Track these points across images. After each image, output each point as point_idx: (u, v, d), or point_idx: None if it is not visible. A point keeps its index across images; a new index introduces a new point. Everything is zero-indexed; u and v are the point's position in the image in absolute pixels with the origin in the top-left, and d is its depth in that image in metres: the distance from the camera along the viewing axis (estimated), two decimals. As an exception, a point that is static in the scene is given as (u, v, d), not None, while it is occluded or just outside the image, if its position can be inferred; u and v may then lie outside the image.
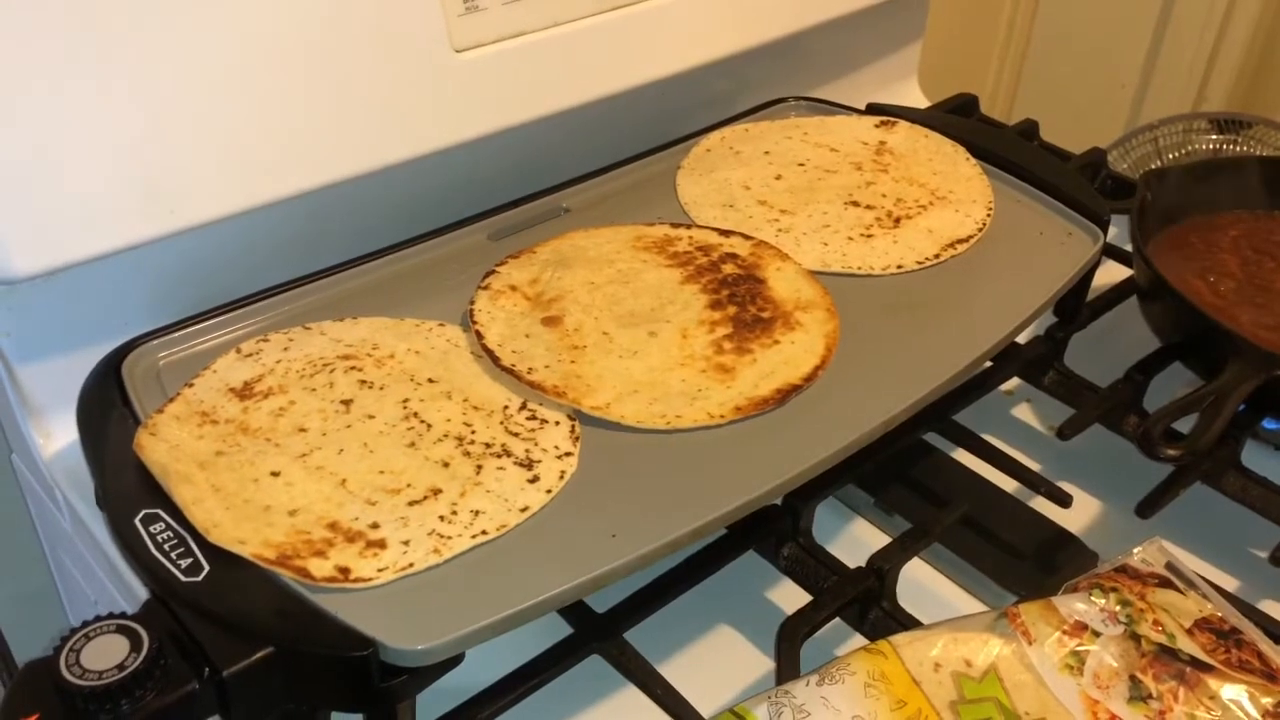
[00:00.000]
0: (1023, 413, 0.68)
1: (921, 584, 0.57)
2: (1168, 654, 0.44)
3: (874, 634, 0.50)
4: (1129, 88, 1.29)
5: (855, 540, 0.59)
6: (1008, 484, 0.60)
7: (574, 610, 0.49)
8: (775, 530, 0.53)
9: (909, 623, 0.50)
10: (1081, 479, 0.62)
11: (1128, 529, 0.57)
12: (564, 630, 0.49)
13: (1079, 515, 0.60)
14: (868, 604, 0.51)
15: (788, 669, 0.47)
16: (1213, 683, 0.43)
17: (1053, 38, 1.31)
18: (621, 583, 0.44)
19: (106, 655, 0.37)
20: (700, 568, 0.51)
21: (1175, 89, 1.26)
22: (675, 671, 0.49)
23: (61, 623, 0.71)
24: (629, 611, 0.49)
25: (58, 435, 0.55)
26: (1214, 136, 1.05)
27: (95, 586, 0.58)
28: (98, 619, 0.38)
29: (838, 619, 0.51)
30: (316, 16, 0.54)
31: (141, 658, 0.37)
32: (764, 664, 0.52)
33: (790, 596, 0.53)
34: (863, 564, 0.52)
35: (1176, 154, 1.05)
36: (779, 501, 0.53)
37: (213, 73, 0.52)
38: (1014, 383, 0.68)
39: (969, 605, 0.56)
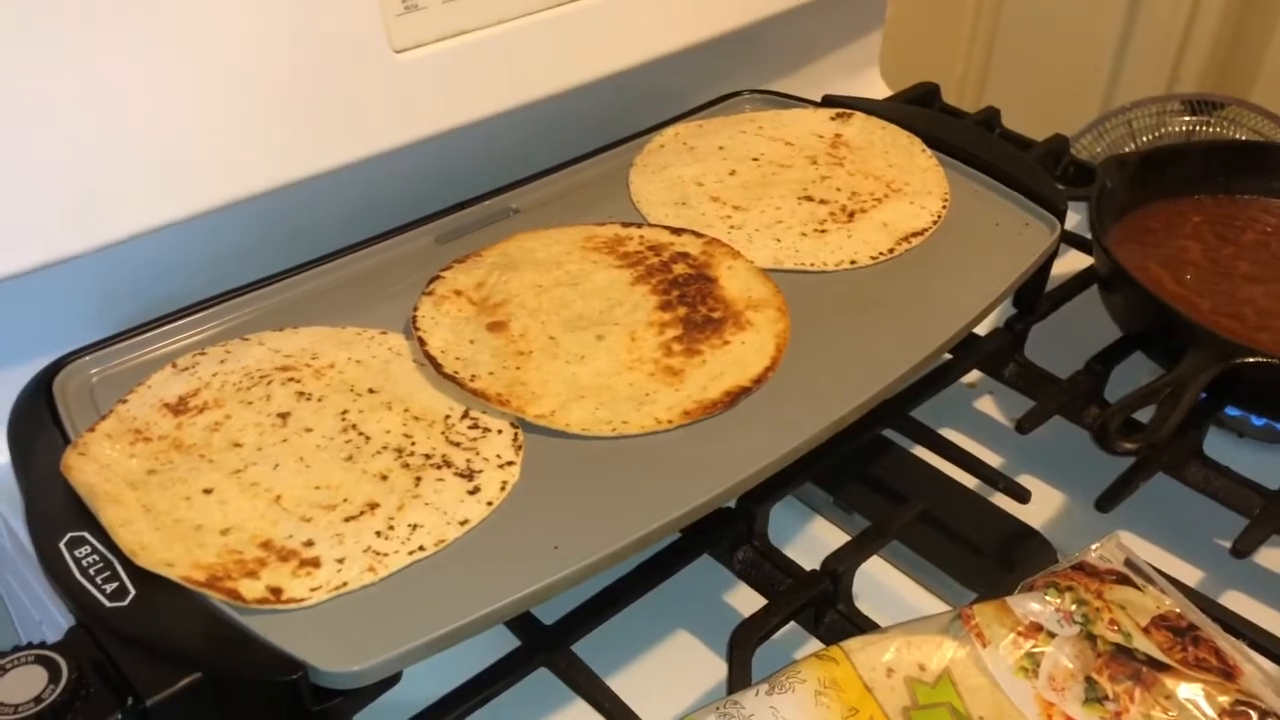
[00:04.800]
0: (985, 406, 0.67)
1: (881, 583, 0.56)
2: (1124, 654, 0.43)
3: (829, 637, 0.49)
4: (1102, 71, 1.29)
5: (814, 540, 0.58)
6: (969, 479, 0.59)
7: (521, 622, 0.47)
8: (729, 534, 0.52)
9: (865, 625, 0.49)
10: (1045, 472, 0.61)
11: (1091, 522, 0.56)
12: (512, 643, 0.47)
13: (1041, 509, 0.59)
14: (823, 607, 0.50)
15: (739, 677, 0.46)
16: (1169, 682, 0.42)
17: (1022, 21, 1.30)
18: (573, 591, 0.43)
19: (23, 688, 0.36)
20: (653, 574, 0.50)
21: (1148, 71, 1.25)
22: (631, 680, 0.48)
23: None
24: (579, 622, 0.48)
25: (-7, 454, 0.54)
26: (1187, 118, 1.04)
27: (39, 608, 0.56)
28: (15, 649, 0.37)
29: (793, 623, 0.50)
30: (250, 20, 0.53)
31: (59, 689, 0.36)
32: (723, 670, 0.51)
33: (749, 600, 0.52)
34: (820, 565, 0.51)
35: (1150, 136, 1.05)
36: (732, 505, 0.52)
37: (144, 79, 0.51)
38: (977, 375, 0.67)
39: (929, 604, 0.55)
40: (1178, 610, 0.45)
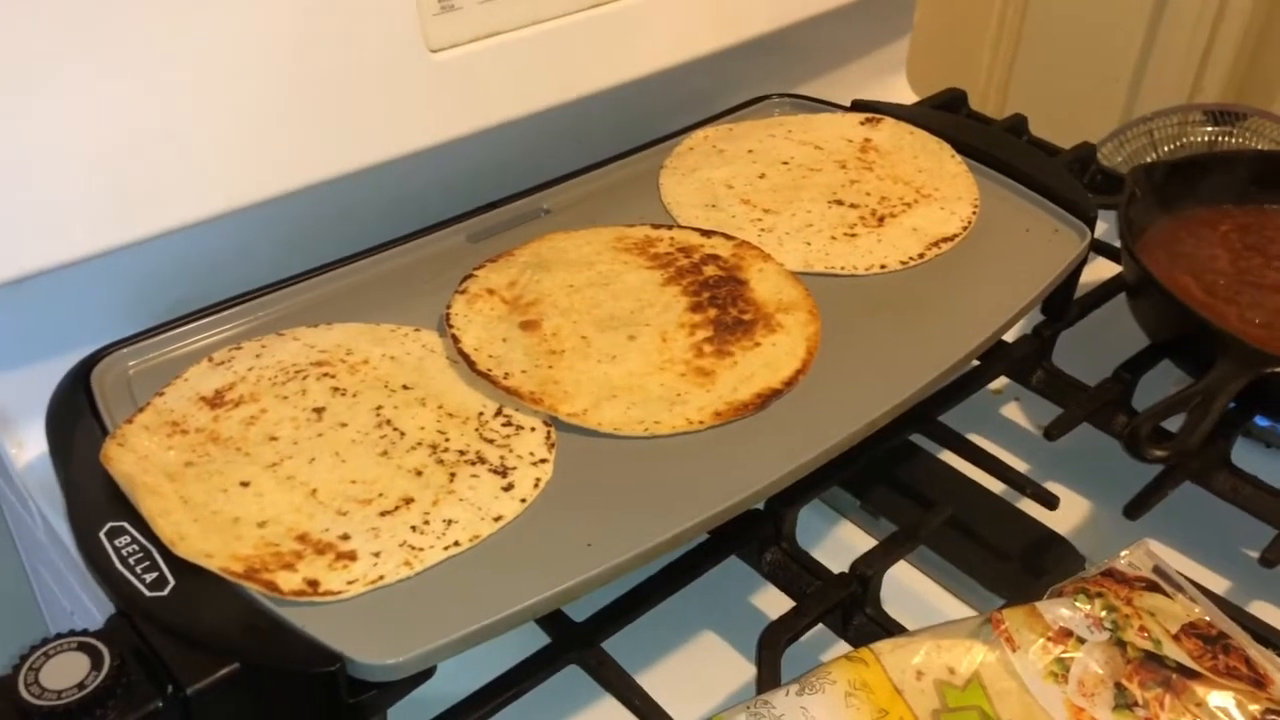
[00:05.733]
0: (1012, 412, 0.67)
1: (908, 587, 0.56)
2: (1154, 661, 0.43)
3: (858, 640, 0.49)
4: (1123, 80, 1.28)
5: (841, 544, 0.58)
6: (996, 485, 0.59)
7: (552, 619, 0.48)
8: (758, 535, 0.53)
9: (893, 628, 0.49)
10: (1071, 479, 0.61)
11: (1118, 530, 0.56)
12: (542, 639, 0.48)
13: (1068, 516, 0.59)
14: (851, 610, 0.50)
15: (768, 677, 0.46)
16: (1199, 690, 0.42)
17: (1045, 30, 1.30)
18: (602, 589, 0.44)
19: (67, 674, 0.36)
20: (681, 574, 0.51)
21: (1170, 81, 1.25)
22: (659, 679, 0.48)
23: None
24: (608, 620, 0.48)
25: (30, 445, 0.54)
26: (1209, 128, 1.04)
27: (71, 598, 0.57)
28: (58, 636, 0.38)
29: (821, 625, 0.50)
30: (288, 18, 0.53)
31: (102, 676, 0.36)
32: (749, 671, 0.51)
33: (776, 602, 0.53)
34: (847, 568, 0.51)
35: (1171, 146, 1.05)
36: (761, 506, 0.52)
37: (184, 76, 0.51)
38: (1003, 382, 0.67)
39: (955, 609, 0.55)
40: (1208, 618, 0.45)
